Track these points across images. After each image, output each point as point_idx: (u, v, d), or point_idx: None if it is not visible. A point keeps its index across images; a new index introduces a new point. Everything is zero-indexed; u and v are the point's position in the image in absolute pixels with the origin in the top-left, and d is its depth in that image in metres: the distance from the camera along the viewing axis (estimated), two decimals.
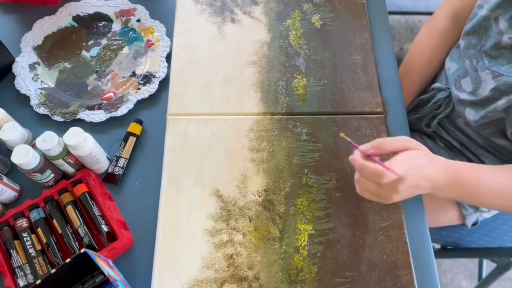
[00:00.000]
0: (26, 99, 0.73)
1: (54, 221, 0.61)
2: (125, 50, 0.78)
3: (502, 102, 0.65)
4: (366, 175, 0.56)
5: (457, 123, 0.80)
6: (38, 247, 0.60)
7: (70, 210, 0.62)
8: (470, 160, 0.81)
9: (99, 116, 0.71)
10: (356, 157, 0.57)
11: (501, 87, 0.64)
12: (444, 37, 0.82)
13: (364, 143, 0.68)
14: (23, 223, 0.61)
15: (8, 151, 0.67)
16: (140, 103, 0.73)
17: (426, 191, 0.58)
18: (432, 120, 0.82)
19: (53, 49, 0.78)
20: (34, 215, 0.61)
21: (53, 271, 0.51)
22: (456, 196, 0.64)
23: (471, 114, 0.71)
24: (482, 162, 0.78)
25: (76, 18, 0.81)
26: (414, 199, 0.65)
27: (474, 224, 0.83)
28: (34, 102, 0.72)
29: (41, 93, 0.73)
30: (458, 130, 0.80)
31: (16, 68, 0.75)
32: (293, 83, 0.74)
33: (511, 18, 0.64)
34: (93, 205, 0.63)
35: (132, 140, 0.69)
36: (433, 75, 0.86)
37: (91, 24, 0.81)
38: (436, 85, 0.80)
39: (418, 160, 0.56)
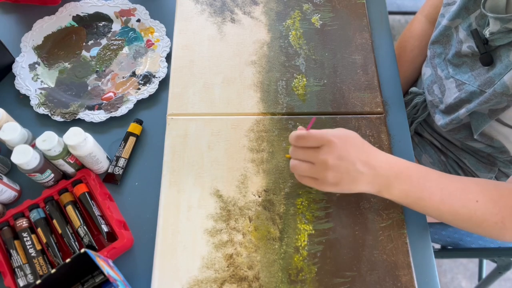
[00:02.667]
0: (26, 99, 0.73)
1: (54, 221, 0.61)
2: (125, 50, 0.78)
3: (462, 111, 0.66)
4: (296, 154, 0.58)
5: (434, 127, 0.81)
6: (38, 247, 0.60)
7: (70, 210, 0.62)
8: (450, 159, 0.81)
9: (99, 116, 0.71)
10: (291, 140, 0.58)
11: (462, 96, 0.66)
12: (423, 39, 0.83)
13: None
14: (23, 223, 0.61)
15: (8, 151, 0.67)
16: (140, 103, 0.73)
17: (365, 179, 0.56)
18: (411, 124, 0.83)
19: (53, 49, 0.78)
20: (34, 215, 0.61)
21: (53, 271, 0.51)
22: (403, 194, 0.57)
23: (439, 120, 0.73)
24: (462, 162, 0.80)
25: (76, 18, 0.81)
26: None
27: None
28: (34, 102, 0.72)
29: (41, 93, 0.73)
30: (436, 133, 0.82)
31: (16, 68, 0.75)
32: (293, 83, 0.74)
33: (469, 27, 0.65)
34: (93, 205, 0.63)
35: (132, 140, 0.69)
36: (415, 76, 0.88)
37: (91, 24, 0.81)
38: (413, 89, 0.82)
39: (351, 139, 0.57)
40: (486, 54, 0.61)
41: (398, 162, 0.58)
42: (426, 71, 0.77)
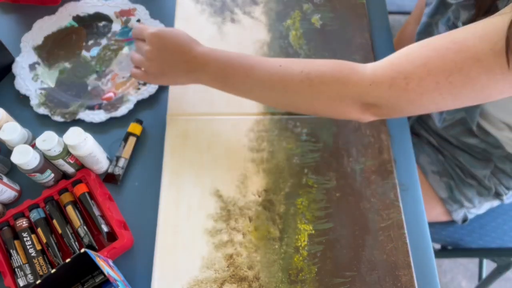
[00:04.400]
0: (26, 99, 0.73)
1: (54, 221, 0.61)
2: (125, 50, 0.78)
3: None
4: (137, 46, 0.65)
5: (429, 124, 0.82)
6: (38, 247, 0.60)
7: (70, 210, 0.62)
8: (448, 158, 0.81)
9: (99, 116, 0.71)
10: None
11: None
12: (412, 41, 0.84)
13: (364, 143, 0.68)
14: (23, 223, 0.61)
15: (8, 151, 0.67)
16: (140, 103, 0.73)
17: (183, 68, 0.60)
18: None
19: (53, 49, 0.78)
20: (34, 215, 0.61)
21: (53, 271, 0.51)
22: (213, 77, 0.60)
23: (436, 117, 0.73)
24: (458, 161, 0.80)
25: (76, 18, 0.81)
26: (414, 199, 0.65)
27: (464, 221, 0.84)
28: (34, 102, 0.72)
29: (41, 93, 0.73)
30: (431, 130, 0.83)
31: (16, 68, 0.75)
32: None
33: (448, 21, 0.65)
34: (93, 205, 0.63)
35: (132, 140, 0.69)
36: None
37: (91, 24, 0.81)
38: None
39: (174, 33, 0.61)
40: None
41: (211, 52, 0.60)
42: None
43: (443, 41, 0.47)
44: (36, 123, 0.71)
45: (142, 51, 0.63)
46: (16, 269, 0.59)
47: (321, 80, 0.53)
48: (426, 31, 0.72)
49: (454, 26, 0.63)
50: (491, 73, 0.44)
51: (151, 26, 0.63)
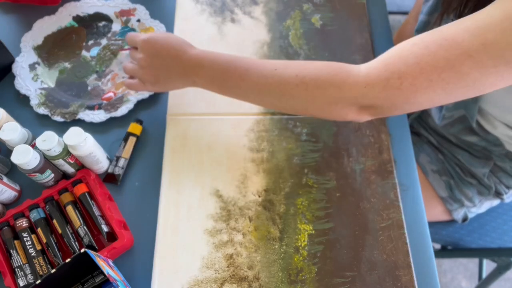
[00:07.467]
0: (26, 99, 0.73)
1: (54, 221, 0.61)
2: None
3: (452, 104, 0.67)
4: (131, 56, 0.64)
5: (429, 122, 0.82)
6: (38, 247, 0.60)
7: (70, 210, 0.62)
8: (447, 157, 0.81)
9: (99, 116, 0.71)
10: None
11: None
12: None
13: (364, 143, 0.68)
14: (23, 223, 0.61)
15: (8, 151, 0.67)
16: (140, 103, 0.73)
17: (177, 72, 0.60)
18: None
19: (53, 49, 0.78)
20: (34, 215, 0.61)
21: (53, 271, 0.51)
22: (209, 80, 0.60)
23: (435, 115, 0.73)
24: (457, 159, 0.80)
25: (76, 18, 0.81)
26: (414, 199, 0.65)
27: (464, 220, 0.84)
28: (34, 102, 0.72)
29: (41, 93, 0.73)
30: (431, 129, 0.83)
31: (16, 68, 0.75)
32: None
33: (447, 19, 0.65)
34: (93, 205, 0.63)
35: (132, 140, 0.69)
36: None
37: (91, 24, 0.81)
38: None
39: (166, 38, 0.61)
40: None
41: (204, 55, 0.60)
42: None
43: (434, 37, 0.48)
44: (36, 123, 0.71)
45: (136, 59, 0.63)
46: (16, 269, 0.59)
47: (316, 84, 0.54)
48: (425, 29, 0.72)
49: (440, 14, 0.64)
50: (483, 68, 0.45)
51: (142, 34, 0.63)
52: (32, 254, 0.59)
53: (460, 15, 0.58)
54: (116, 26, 0.80)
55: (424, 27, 0.72)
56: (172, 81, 0.62)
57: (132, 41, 0.64)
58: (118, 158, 0.68)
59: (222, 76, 0.58)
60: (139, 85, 0.65)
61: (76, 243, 0.61)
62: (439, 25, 0.69)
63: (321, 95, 0.54)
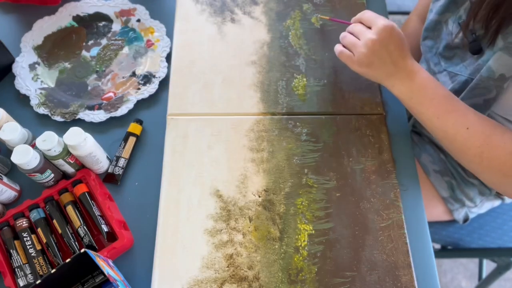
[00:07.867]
0: (26, 99, 0.73)
1: (54, 221, 0.62)
2: (125, 50, 0.78)
3: None
4: (356, 29, 0.63)
5: None
6: (38, 247, 0.60)
7: (70, 210, 0.62)
8: (449, 157, 0.81)
9: (99, 116, 0.71)
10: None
11: (456, 87, 0.66)
12: (417, 38, 0.84)
13: (364, 143, 0.68)
14: (23, 223, 0.61)
15: (8, 151, 0.67)
16: (140, 103, 0.73)
17: (389, 71, 0.62)
18: (408, 120, 0.83)
19: (53, 49, 0.78)
20: (34, 215, 0.61)
21: (53, 271, 0.51)
22: (408, 96, 0.62)
23: None
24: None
25: (76, 18, 0.81)
26: (414, 199, 0.65)
27: (465, 220, 0.84)
28: (34, 102, 0.72)
29: (41, 93, 0.73)
30: None
31: (16, 68, 0.75)
32: (293, 83, 0.74)
33: (458, 19, 0.65)
34: (93, 205, 0.63)
35: (132, 140, 0.69)
36: None
37: (91, 24, 0.81)
38: None
39: (397, 33, 0.61)
40: (475, 43, 0.62)
41: (420, 69, 0.62)
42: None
43: None
44: (36, 123, 0.71)
45: (362, 36, 0.62)
46: (16, 269, 0.59)
47: (490, 164, 0.57)
48: (435, 28, 0.72)
49: (465, 24, 0.63)
50: None
51: (383, 17, 0.62)
52: (32, 254, 0.59)
53: (486, 27, 0.59)
54: (116, 26, 0.80)
55: (435, 26, 0.71)
56: (379, 74, 0.63)
57: (371, 19, 0.62)
58: (118, 158, 0.68)
59: (423, 95, 0.61)
60: (349, 57, 0.64)
61: (76, 243, 0.61)
62: (447, 25, 0.68)
63: (494, 170, 0.58)
